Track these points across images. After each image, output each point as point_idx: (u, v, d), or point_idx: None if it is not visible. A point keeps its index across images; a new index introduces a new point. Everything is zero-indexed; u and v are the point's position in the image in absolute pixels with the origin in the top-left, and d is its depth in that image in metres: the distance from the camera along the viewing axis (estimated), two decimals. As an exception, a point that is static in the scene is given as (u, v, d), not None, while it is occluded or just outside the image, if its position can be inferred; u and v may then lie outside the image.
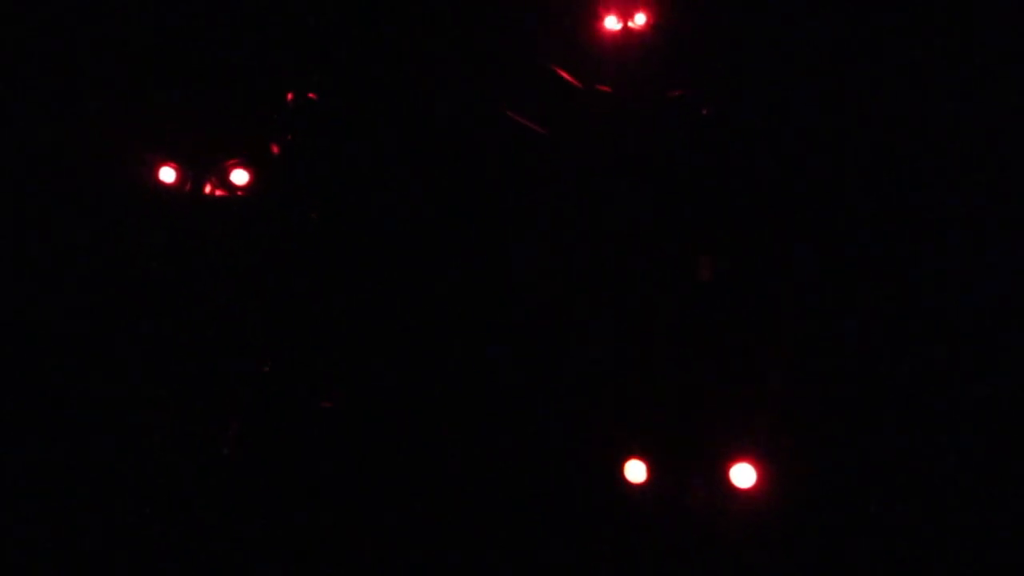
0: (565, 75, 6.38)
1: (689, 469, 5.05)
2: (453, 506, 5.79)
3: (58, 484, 5.79)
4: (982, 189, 5.47)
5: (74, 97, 6.24)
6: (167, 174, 6.08)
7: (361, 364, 6.16)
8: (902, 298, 5.43)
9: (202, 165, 6.10)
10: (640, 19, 6.34)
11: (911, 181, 5.63)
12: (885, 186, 5.67)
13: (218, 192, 6.14)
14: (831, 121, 5.88)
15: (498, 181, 6.42)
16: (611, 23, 6.37)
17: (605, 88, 6.40)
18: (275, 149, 6.26)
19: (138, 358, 6.10)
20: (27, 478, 5.79)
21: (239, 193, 6.15)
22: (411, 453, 5.98)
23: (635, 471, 5.16)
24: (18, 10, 6.26)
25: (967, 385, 5.18)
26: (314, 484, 5.90)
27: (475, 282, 6.28)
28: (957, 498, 4.98)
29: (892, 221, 5.61)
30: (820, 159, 5.86)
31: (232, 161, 6.13)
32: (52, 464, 5.84)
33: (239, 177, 6.15)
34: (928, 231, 5.54)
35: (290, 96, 6.30)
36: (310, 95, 6.33)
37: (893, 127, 5.71)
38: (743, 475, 4.92)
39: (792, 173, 5.90)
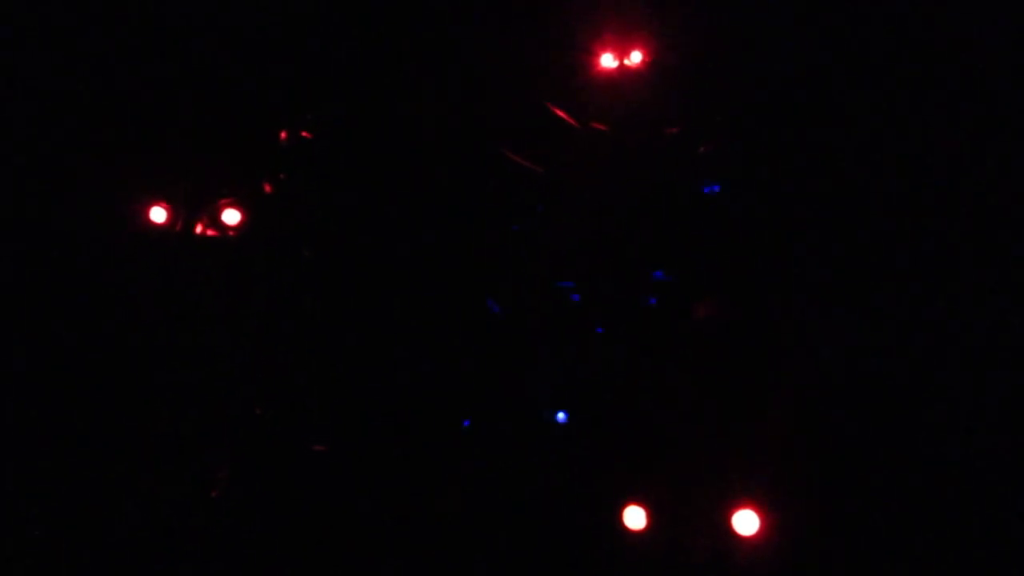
0: (561, 113, 6.37)
1: (690, 515, 4.94)
2: (449, 552, 5.69)
3: (44, 526, 5.69)
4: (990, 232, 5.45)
5: (63, 136, 6.21)
6: (158, 214, 6.05)
7: (355, 407, 6.09)
8: (908, 341, 5.37)
9: (193, 204, 6.07)
10: (636, 57, 6.36)
11: (917, 218, 5.59)
12: (888, 224, 5.64)
13: (209, 232, 6.11)
14: (830, 158, 5.86)
15: (494, 219, 6.39)
16: (607, 61, 6.39)
17: (601, 126, 6.39)
18: (268, 188, 6.24)
19: (127, 399, 6.01)
20: (14, 521, 5.69)
21: (231, 233, 6.12)
22: (405, 497, 5.89)
23: (634, 517, 5.05)
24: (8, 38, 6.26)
25: (977, 428, 5.11)
26: (306, 528, 5.80)
27: (470, 322, 6.23)
28: (969, 545, 4.89)
29: (895, 261, 5.58)
30: (819, 197, 5.83)
31: (224, 200, 6.11)
32: (38, 505, 5.74)
33: (231, 217, 6.12)
34: (933, 271, 5.49)
35: (283, 135, 6.28)
36: (303, 133, 6.32)
37: (897, 163, 5.69)
38: (746, 522, 4.82)
39: (791, 211, 5.87)
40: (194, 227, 6.09)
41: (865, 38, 5.87)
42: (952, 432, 5.15)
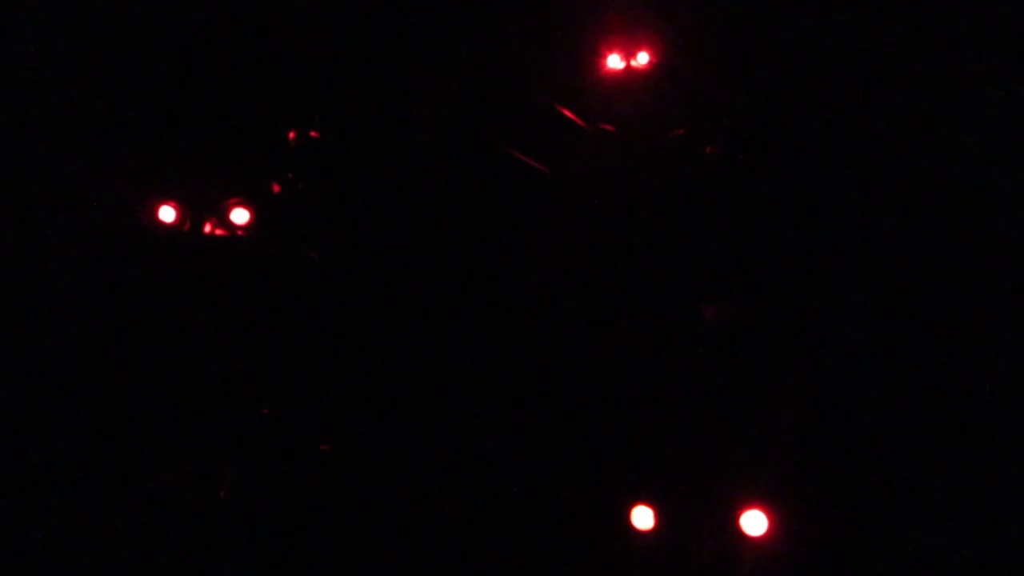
0: (568, 114, 6.38)
1: (698, 516, 4.94)
2: (454, 554, 5.68)
3: (48, 526, 5.69)
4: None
5: (70, 135, 6.22)
6: (166, 213, 6.06)
7: (361, 407, 6.09)
8: (916, 341, 5.37)
9: (201, 204, 6.08)
10: (643, 58, 6.37)
11: (925, 220, 5.59)
12: (896, 225, 5.64)
13: (218, 231, 6.12)
14: (838, 159, 5.86)
15: (501, 221, 6.39)
16: (614, 62, 6.40)
17: (608, 127, 6.40)
18: (276, 188, 6.24)
19: (134, 399, 6.01)
20: (16, 521, 5.69)
21: (239, 232, 6.13)
22: (411, 497, 5.88)
23: (642, 517, 5.05)
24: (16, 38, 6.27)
25: (986, 430, 5.11)
26: (312, 528, 5.79)
27: (476, 325, 6.22)
28: (979, 547, 4.89)
29: (902, 262, 5.57)
30: (827, 198, 5.83)
31: (232, 200, 6.11)
32: (43, 506, 5.74)
33: (239, 216, 6.12)
34: (939, 272, 5.49)
35: (291, 134, 6.29)
36: (312, 133, 6.32)
37: (904, 166, 5.69)
38: (754, 522, 4.82)
39: (799, 212, 5.87)
40: (202, 226, 6.09)
41: (874, 39, 5.87)
42: (961, 433, 5.14)
